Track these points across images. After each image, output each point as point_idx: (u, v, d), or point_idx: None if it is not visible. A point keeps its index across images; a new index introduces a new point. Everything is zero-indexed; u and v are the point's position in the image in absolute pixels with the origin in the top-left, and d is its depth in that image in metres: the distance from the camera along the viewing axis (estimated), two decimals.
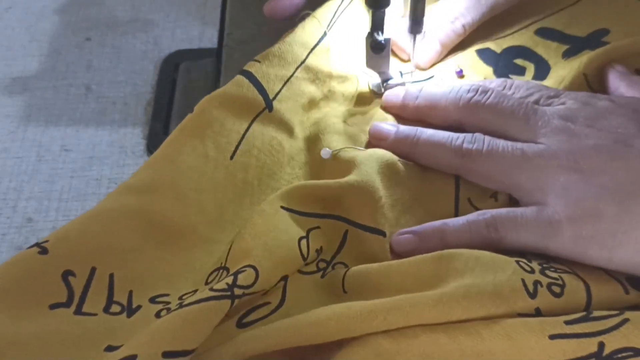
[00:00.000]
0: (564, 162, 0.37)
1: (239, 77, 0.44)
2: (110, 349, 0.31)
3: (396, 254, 0.38)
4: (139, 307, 0.34)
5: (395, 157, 0.42)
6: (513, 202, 0.41)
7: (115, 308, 0.34)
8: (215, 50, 0.79)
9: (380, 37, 0.46)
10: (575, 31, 0.50)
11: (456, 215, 0.41)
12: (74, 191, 0.72)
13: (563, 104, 0.41)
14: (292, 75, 0.45)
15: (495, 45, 0.51)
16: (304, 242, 0.37)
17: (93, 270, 0.34)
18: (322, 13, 0.49)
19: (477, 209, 0.41)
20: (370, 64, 0.49)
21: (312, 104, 0.46)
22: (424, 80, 0.51)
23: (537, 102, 0.42)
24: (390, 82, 0.50)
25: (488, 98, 0.42)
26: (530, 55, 0.50)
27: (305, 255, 0.36)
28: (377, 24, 0.46)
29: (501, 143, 0.40)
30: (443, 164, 0.42)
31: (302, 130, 0.45)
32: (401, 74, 0.51)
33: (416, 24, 0.48)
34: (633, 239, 0.34)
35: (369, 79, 0.51)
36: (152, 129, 0.79)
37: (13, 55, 0.85)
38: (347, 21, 0.50)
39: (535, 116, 0.40)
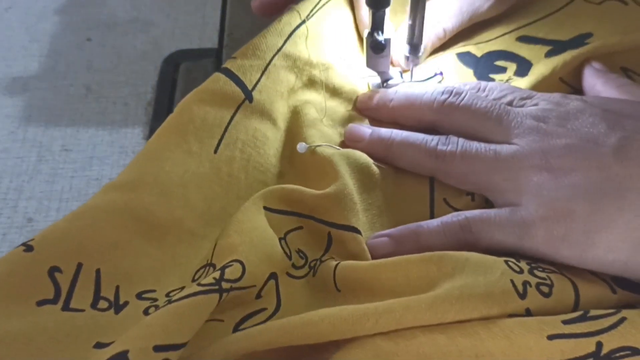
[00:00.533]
0: (536, 162, 0.37)
1: (216, 74, 0.44)
2: (99, 345, 0.31)
3: (373, 257, 0.38)
4: (126, 303, 0.34)
5: (369, 160, 0.42)
6: (489, 200, 0.41)
7: (102, 304, 0.33)
8: (215, 50, 0.79)
9: (381, 37, 0.46)
10: (558, 36, 0.50)
11: (432, 216, 0.41)
12: (75, 191, 0.72)
13: (536, 104, 0.41)
14: (269, 63, 0.45)
15: (477, 49, 0.51)
16: (283, 242, 0.37)
17: (79, 265, 0.34)
18: (303, 5, 0.48)
19: (453, 209, 0.41)
20: (371, 64, 0.49)
21: (292, 92, 0.46)
22: (425, 80, 0.51)
23: (510, 103, 0.42)
24: (390, 82, 0.50)
25: (462, 100, 0.42)
26: (512, 57, 0.50)
27: (289, 254, 0.37)
28: (377, 24, 0.46)
29: (475, 144, 0.40)
30: (418, 166, 0.42)
31: (284, 121, 0.45)
32: (401, 74, 0.51)
33: (414, 49, 0.48)
34: (605, 237, 0.34)
35: (368, 79, 0.51)
36: (152, 129, 0.79)
37: (13, 56, 0.85)
38: (328, 12, 0.49)
39: (508, 117, 0.40)
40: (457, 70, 0.51)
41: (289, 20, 0.47)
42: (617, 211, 0.34)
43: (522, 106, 0.42)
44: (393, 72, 0.50)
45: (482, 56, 0.50)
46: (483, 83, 0.45)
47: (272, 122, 0.44)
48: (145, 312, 0.33)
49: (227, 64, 0.44)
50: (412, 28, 0.47)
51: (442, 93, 0.43)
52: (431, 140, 0.42)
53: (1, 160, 0.74)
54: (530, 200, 0.37)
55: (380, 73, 0.50)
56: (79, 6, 0.90)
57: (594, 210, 0.34)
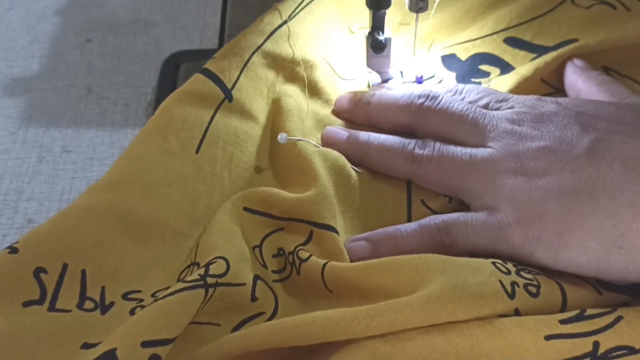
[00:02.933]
0: (511, 165, 0.38)
1: (195, 75, 0.45)
2: (86, 346, 0.31)
3: (351, 261, 0.38)
4: (112, 303, 0.34)
5: (347, 163, 0.43)
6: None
7: (88, 304, 0.34)
8: (216, 51, 0.79)
9: (381, 37, 0.46)
10: (544, 41, 0.50)
11: (409, 218, 0.42)
12: (75, 192, 0.71)
13: (511, 107, 0.42)
14: (248, 61, 0.45)
15: (463, 50, 0.52)
16: (257, 250, 0.38)
17: (65, 266, 0.34)
18: (286, 5, 0.49)
19: (430, 210, 0.41)
20: (371, 63, 0.49)
21: (272, 87, 0.47)
22: (425, 79, 0.51)
23: (486, 106, 0.43)
24: (391, 81, 0.50)
25: (438, 103, 0.43)
26: (497, 61, 0.50)
27: (262, 263, 0.37)
28: (378, 24, 0.46)
29: (451, 148, 0.41)
30: (394, 170, 0.43)
31: (265, 117, 0.46)
32: (402, 74, 0.51)
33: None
34: (578, 239, 0.34)
35: (369, 78, 0.51)
36: None
37: (14, 57, 0.85)
38: (311, 12, 0.50)
39: (484, 120, 0.41)
40: (439, 74, 0.51)
41: (271, 20, 0.47)
42: (589, 212, 0.34)
43: (497, 109, 0.42)
44: (393, 71, 0.50)
45: (467, 59, 0.51)
46: (460, 86, 0.45)
47: (253, 120, 0.44)
48: (132, 312, 0.33)
49: (207, 64, 0.45)
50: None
51: (419, 97, 0.44)
52: (408, 143, 0.43)
53: (2, 161, 0.74)
54: (505, 203, 0.37)
55: (380, 73, 0.50)
56: (80, 7, 0.90)
57: (567, 212, 0.34)
